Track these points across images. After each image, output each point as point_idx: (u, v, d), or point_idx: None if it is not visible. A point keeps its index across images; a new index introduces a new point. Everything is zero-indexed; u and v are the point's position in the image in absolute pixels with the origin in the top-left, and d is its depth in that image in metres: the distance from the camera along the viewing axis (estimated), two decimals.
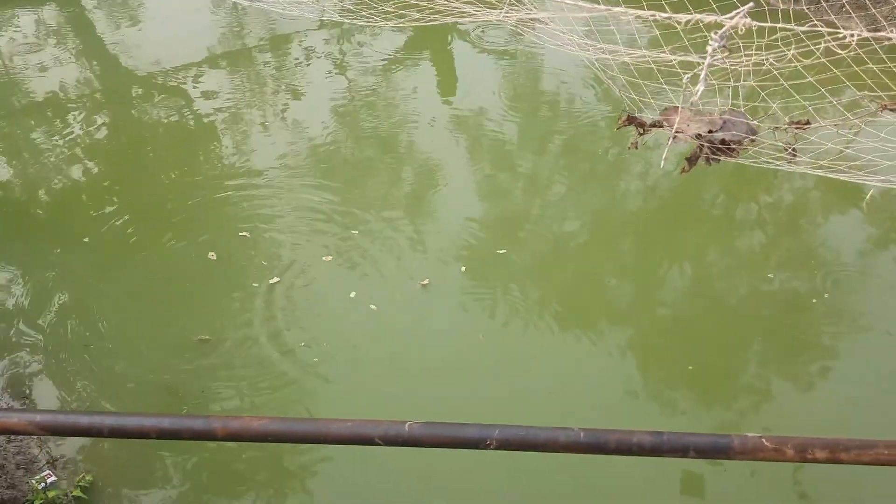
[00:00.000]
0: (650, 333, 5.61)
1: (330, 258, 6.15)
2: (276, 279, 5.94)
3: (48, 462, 4.51)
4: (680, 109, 2.55)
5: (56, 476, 4.40)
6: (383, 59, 9.51)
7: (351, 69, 9.39)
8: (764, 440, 1.83)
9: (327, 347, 5.40)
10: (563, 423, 1.86)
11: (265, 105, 8.60)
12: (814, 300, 5.77)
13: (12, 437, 4.52)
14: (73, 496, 4.28)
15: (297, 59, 9.66)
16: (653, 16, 2.14)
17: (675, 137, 2.55)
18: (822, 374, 5.37)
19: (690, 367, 5.27)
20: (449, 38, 10.12)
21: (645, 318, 5.74)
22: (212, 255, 6.19)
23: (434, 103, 8.62)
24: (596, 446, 1.86)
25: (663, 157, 2.60)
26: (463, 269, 6.06)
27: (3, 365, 5.22)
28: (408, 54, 9.71)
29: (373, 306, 5.70)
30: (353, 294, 5.82)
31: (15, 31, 10.52)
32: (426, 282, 5.90)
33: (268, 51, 9.86)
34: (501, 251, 6.20)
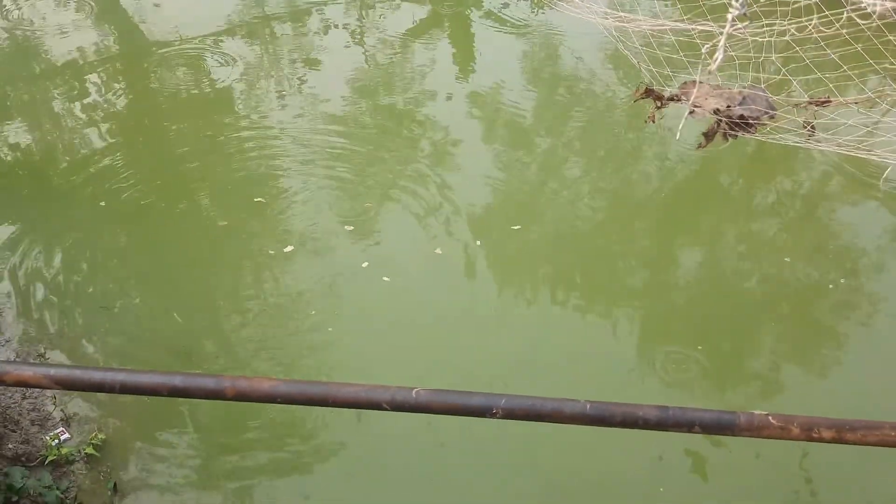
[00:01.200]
0: (661, 312, 5.60)
1: (351, 228, 6.16)
2: (290, 248, 5.97)
3: (62, 419, 4.58)
4: (698, 83, 2.51)
5: (69, 433, 4.48)
6: (401, 33, 9.43)
7: (369, 42, 9.32)
8: (770, 418, 1.83)
9: (341, 316, 5.42)
10: (570, 396, 1.87)
11: (283, 75, 8.57)
12: (830, 285, 5.73)
13: (27, 394, 4.60)
14: (85, 453, 4.36)
15: (315, 30, 9.60)
16: None
17: (692, 112, 2.52)
18: (834, 360, 5.35)
19: (700, 347, 5.26)
20: (468, 11, 10.02)
21: (657, 296, 5.73)
22: (222, 223, 6.23)
23: (451, 78, 8.56)
24: (601, 419, 1.87)
25: (679, 128, 2.56)
26: (478, 243, 6.06)
27: (20, 326, 5.29)
28: (426, 28, 9.63)
29: (385, 278, 5.72)
30: (365, 264, 5.84)
31: None
32: (439, 251, 5.91)
33: (286, 21, 9.79)
34: (516, 227, 6.18)
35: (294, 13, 9.93)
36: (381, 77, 8.56)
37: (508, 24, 9.64)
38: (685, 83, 2.65)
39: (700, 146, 2.70)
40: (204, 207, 6.51)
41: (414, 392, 1.94)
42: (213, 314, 5.47)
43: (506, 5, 9.95)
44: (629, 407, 1.86)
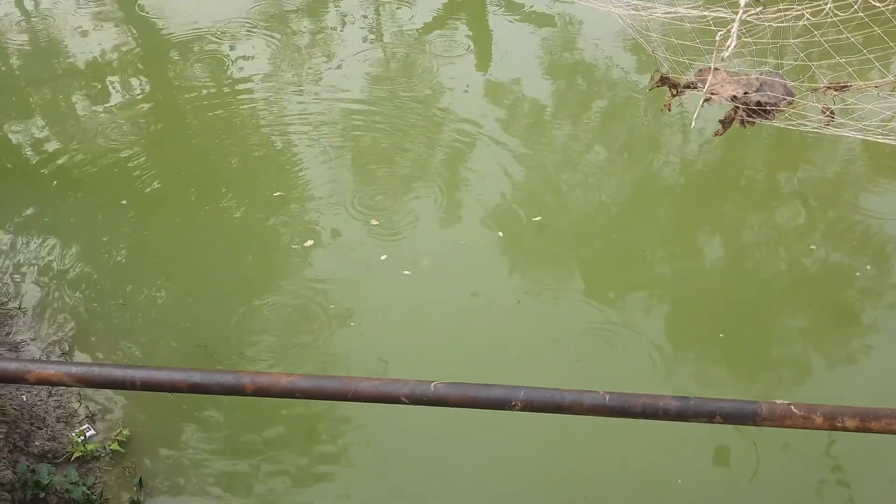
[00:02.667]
0: (683, 300, 5.55)
1: (376, 222, 6.18)
2: (310, 242, 6.00)
3: (87, 416, 4.64)
4: (713, 70, 2.47)
5: (94, 430, 4.54)
6: (419, 25, 9.42)
7: (386, 34, 9.32)
8: (793, 407, 1.81)
9: (363, 309, 5.44)
10: (591, 388, 1.85)
11: (301, 70, 8.59)
12: (857, 273, 5.65)
13: (53, 391, 4.67)
14: (110, 449, 4.41)
15: (332, 24, 9.62)
16: None
17: (708, 99, 2.48)
18: (860, 349, 5.28)
19: (722, 335, 5.22)
20: (485, 3, 9.98)
21: (678, 284, 5.69)
22: (244, 218, 6.26)
23: (470, 69, 8.53)
24: (622, 410, 1.85)
25: (694, 117, 2.53)
26: (500, 234, 6.05)
27: (45, 325, 5.36)
28: (444, 19, 9.60)
29: (406, 272, 5.72)
30: (384, 257, 5.85)
31: None
32: (463, 242, 5.92)
33: (304, 15, 9.82)
34: (537, 218, 6.17)
35: (311, 8, 9.95)
36: (400, 67, 8.55)
37: (526, 15, 9.60)
38: (701, 70, 2.62)
39: (717, 133, 2.67)
40: (225, 203, 6.54)
41: (432, 385, 1.94)
42: (234, 310, 5.50)
43: None
44: (649, 398, 1.84)
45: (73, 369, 2.05)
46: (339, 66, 8.62)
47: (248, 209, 6.41)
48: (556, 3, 9.81)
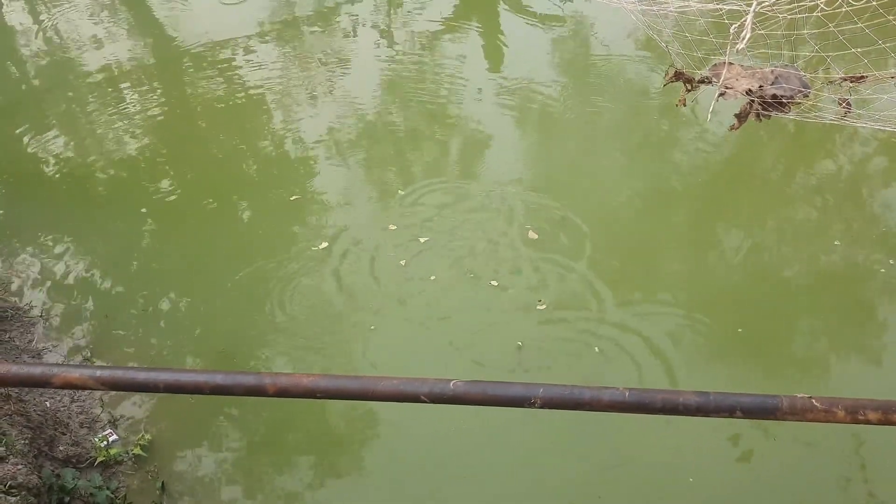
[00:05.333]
0: (701, 294, 5.53)
1: (394, 227, 6.20)
2: (324, 244, 6.03)
3: (110, 422, 4.68)
4: (727, 64, 2.46)
5: (117, 435, 4.58)
6: (430, 29, 9.46)
7: (398, 39, 9.36)
8: (814, 401, 1.79)
9: (381, 314, 5.46)
10: (611, 384, 1.85)
11: (313, 76, 8.65)
12: (882, 269, 5.61)
13: (76, 396, 4.72)
14: (133, 454, 4.45)
15: (344, 29, 9.67)
16: None
17: (722, 93, 2.47)
18: (881, 345, 5.23)
19: (740, 330, 5.19)
20: (497, 4, 10.00)
21: (696, 279, 5.67)
22: (255, 215, 6.30)
23: (481, 72, 8.55)
24: (641, 405, 1.85)
25: (709, 110, 2.52)
26: (515, 233, 6.05)
27: (66, 331, 5.42)
28: (455, 23, 9.63)
29: (433, 277, 5.74)
30: (403, 262, 5.87)
31: (69, 9, 10.76)
32: (474, 267, 5.92)
33: (316, 22, 9.88)
34: (554, 216, 6.17)
35: (323, 14, 10.01)
36: (412, 71, 8.58)
37: (537, 15, 9.60)
38: (716, 65, 2.61)
39: (733, 127, 2.66)
40: (241, 209, 6.60)
41: (451, 384, 1.94)
42: (252, 315, 5.54)
43: None
44: (669, 393, 1.84)
45: (98, 373, 2.07)
46: (350, 71, 8.67)
47: (265, 214, 6.46)
48: (566, 3, 9.82)
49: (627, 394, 1.85)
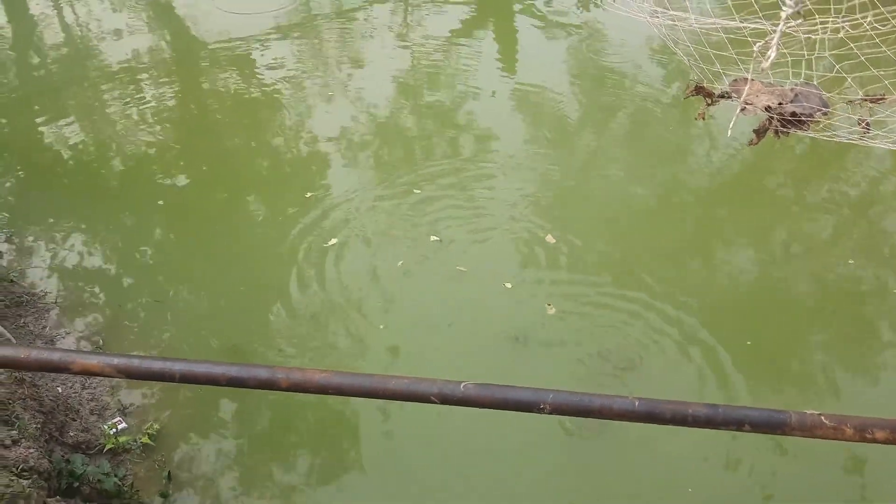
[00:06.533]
0: (710, 306, 5.53)
1: (395, 233, 6.24)
2: (333, 241, 6.08)
3: (119, 410, 4.74)
4: (750, 80, 2.48)
5: (126, 423, 4.63)
6: (447, 32, 9.50)
7: (414, 41, 9.40)
8: (823, 418, 1.81)
9: (392, 310, 5.49)
10: (617, 393, 1.87)
11: (328, 76, 8.70)
12: (894, 290, 5.61)
13: (87, 383, 4.77)
14: (141, 443, 4.49)
15: (361, 30, 9.73)
16: None
17: (743, 109, 2.49)
18: (891, 365, 5.22)
19: (749, 343, 5.20)
20: (513, 9, 10.04)
21: (706, 291, 5.67)
22: (268, 211, 6.35)
23: (496, 75, 8.59)
24: (650, 415, 1.86)
25: (730, 126, 2.54)
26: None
27: (78, 319, 5.48)
28: (471, 27, 9.67)
29: (462, 268, 5.77)
30: (400, 263, 5.91)
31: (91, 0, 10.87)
32: (465, 268, 5.94)
33: (333, 22, 9.95)
34: (548, 238, 6.20)
35: (341, 15, 10.07)
36: (427, 74, 8.62)
37: (552, 22, 9.63)
38: (736, 80, 2.63)
39: (751, 143, 2.67)
40: (254, 204, 6.65)
41: (462, 386, 1.96)
42: (263, 309, 5.59)
43: (550, 5, 9.95)
44: (678, 404, 1.85)
45: (115, 360, 2.10)
46: (366, 72, 8.72)
47: (278, 210, 6.51)
48: (583, 11, 9.85)
49: (637, 403, 1.86)
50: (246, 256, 6.08)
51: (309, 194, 6.63)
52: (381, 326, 5.39)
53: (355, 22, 9.91)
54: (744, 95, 2.42)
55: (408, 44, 9.37)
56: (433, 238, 6.14)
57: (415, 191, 6.63)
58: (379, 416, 4.82)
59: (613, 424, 4.50)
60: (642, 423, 1.89)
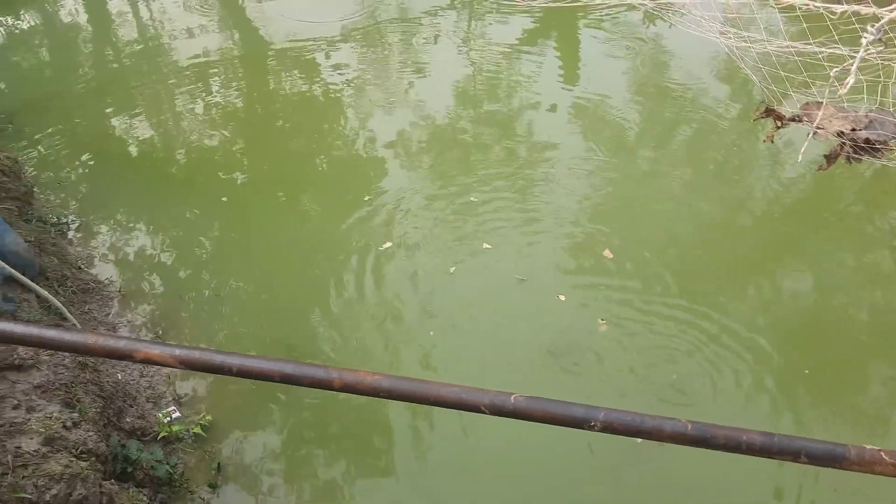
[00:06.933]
0: (769, 332, 5.40)
1: (448, 238, 6.27)
2: (388, 244, 6.14)
3: (174, 399, 4.88)
4: (825, 104, 2.42)
5: (180, 413, 4.76)
6: (509, 42, 9.52)
7: (477, 50, 9.45)
8: (883, 453, 1.75)
9: (441, 316, 5.52)
10: (668, 415, 1.85)
11: (390, 81, 8.81)
12: None
13: (144, 372, 4.93)
14: (193, 433, 4.61)
15: (425, 37, 9.82)
16: (807, 5, 2.03)
17: (815, 133, 2.43)
18: None
19: (807, 371, 5.05)
20: (576, 23, 9.99)
21: (764, 315, 5.54)
22: (325, 212, 6.45)
23: (556, 88, 8.56)
24: (703, 440, 1.83)
25: (801, 151, 2.48)
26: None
27: (138, 309, 5.66)
28: (534, 38, 9.67)
29: (521, 276, 5.77)
30: (452, 269, 5.93)
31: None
32: (528, 276, 5.92)
33: (398, 28, 10.07)
34: (607, 253, 6.14)
35: (405, 21, 10.19)
36: (487, 82, 8.65)
37: (617, 35, 9.55)
38: (807, 104, 2.57)
39: (821, 168, 2.61)
40: (313, 205, 6.77)
41: (512, 398, 1.95)
42: (317, 306, 5.68)
43: (615, 18, 9.87)
44: (732, 430, 1.81)
45: (177, 351, 2.16)
46: (427, 78, 8.80)
47: (334, 211, 6.61)
48: (648, 26, 9.74)
49: (690, 427, 1.83)
50: (301, 256, 6.19)
51: (367, 197, 6.72)
52: (431, 333, 5.42)
53: (419, 28, 10.01)
54: (817, 120, 2.36)
55: (470, 51, 9.43)
56: (485, 245, 6.16)
57: (471, 198, 6.67)
58: (424, 419, 4.85)
59: (647, 452, 4.43)
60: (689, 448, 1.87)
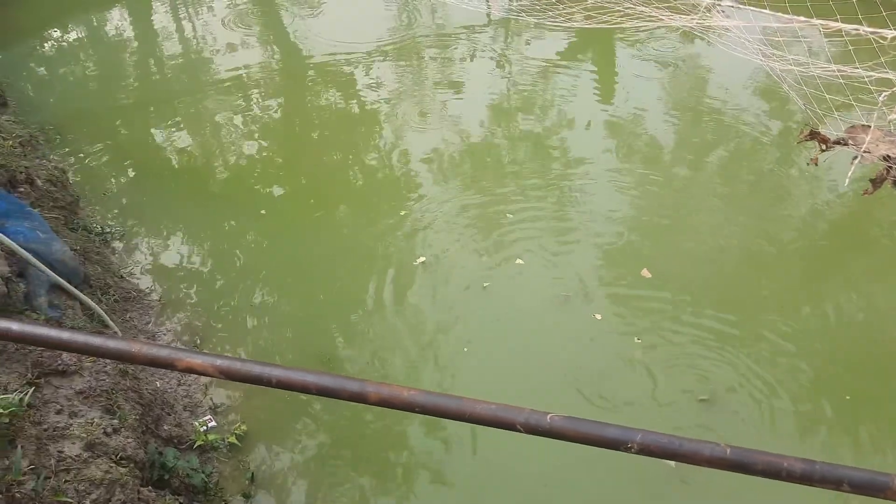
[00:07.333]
0: (809, 356, 5.30)
1: (485, 257, 6.29)
2: (421, 259, 6.18)
3: (210, 408, 4.95)
4: (870, 128, 2.39)
5: (216, 421, 4.83)
6: (546, 59, 9.55)
7: (513, 68, 9.49)
8: None
9: (476, 336, 5.53)
10: (705, 438, 1.83)
11: (426, 96, 8.89)
12: None
13: (182, 380, 5.01)
14: (228, 442, 4.67)
15: (461, 54, 9.90)
16: (856, 30, 2.02)
17: (860, 156, 2.40)
18: None
19: (848, 398, 4.94)
20: (613, 41, 9.99)
21: (805, 338, 5.44)
22: (360, 226, 6.51)
23: (592, 107, 8.56)
24: (741, 465, 1.81)
25: (847, 175, 2.45)
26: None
27: (178, 320, 5.77)
28: (571, 55, 9.68)
29: (536, 301, 5.77)
30: (486, 284, 5.94)
31: (208, 15, 11.52)
32: (576, 297, 5.90)
33: (434, 45, 10.17)
34: (645, 273, 6.10)
35: (441, 38, 10.28)
36: (523, 99, 8.69)
37: (655, 54, 9.52)
38: (853, 127, 2.54)
39: (866, 192, 2.57)
40: (350, 217, 6.85)
41: (548, 417, 1.95)
42: (349, 321, 5.73)
43: (653, 37, 9.85)
44: (773, 456, 1.79)
45: (217, 361, 2.20)
46: (463, 94, 8.86)
47: (369, 225, 6.67)
48: (686, 45, 9.69)
49: (729, 451, 1.81)
50: (336, 269, 6.26)
51: (402, 213, 6.78)
52: (465, 349, 5.43)
53: (456, 45, 10.09)
54: (865, 143, 2.33)
55: (506, 68, 9.47)
56: (518, 261, 6.16)
57: (508, 215, 6.68)
58: (457, 436, 4.85)
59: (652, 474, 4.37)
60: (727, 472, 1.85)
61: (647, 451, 1.90)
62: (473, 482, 4.62)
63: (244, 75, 9.58)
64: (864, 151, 2.31)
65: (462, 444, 4.81)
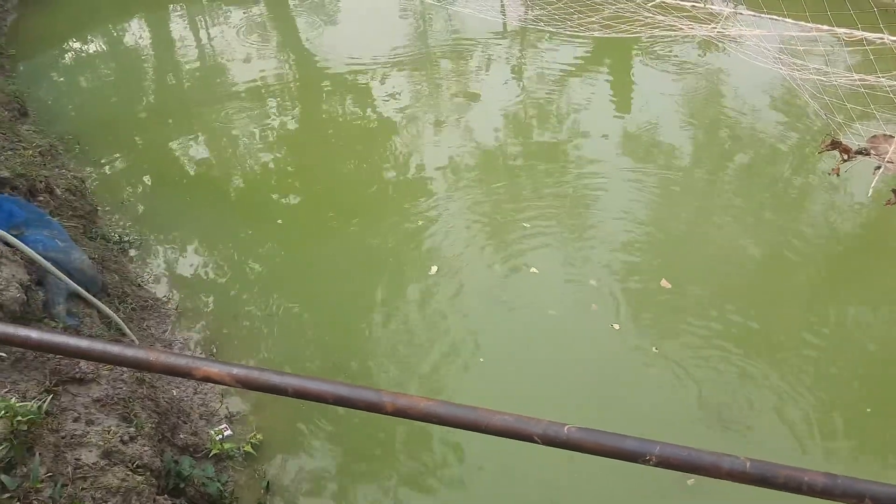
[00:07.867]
0: (829, 368, 5.23)
1: (501, 267, 6.27)
2: (434, 268, 6.18)
3: (226, 417, 4.96)
4: (894, 139, 2.37)
5: (231, 430, 4.84)
6: (562, 69, 9.55)
7: (529, 78, 9.50)
8: None
9: (488, 341, 5.51)
10: (724, 451, 1.81)
11: (441, 107, 8.92)
12: None
13: (198, 389, 5.03)
14: (244, 451, 4.68)
15: (476, 65, 9.93)
16: (880, 39, 2.00)
17: (883, 166, 2.37)
18: None
19: (869, 410, 4.88)
20: (630, 50, 9.98)
21: (826, 351, 5.38)
22: (374, 235, 6.52)
23: (608, 117, 8.54)
24: (762, 479, 1.78)
25: (871, 185, 2.43)
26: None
27: (195, 329, 5.80)
28: (587, 65, 9.68)
29: (552, 311, 5.76)
30: (501, 294, 5.93)
31: (225, 25, 11.64)
32: (595, 307, 5.88)
33: (449, 56, 10.21)
34: (664, 283, 6.05)
35: (457, 50, 10.32)
36: (538, 109, 8.69)
37: (671, 63, 9.50)
38: (875, 136, 2.51)
39: (889, 202, 2.54)
40: (364, 227, 6.86)
41: (566, 428, 1.93)
42: (363, 330, 5.73)
43: (669, 46, 9.83)
44: (794, 470, 1.76)
45: (235, 370, 2.21)
46: (477, 104, 8.87)
47: (384, 236, 6.68)
48: (703, 55, 9.67)
49: (749, 464, 1.79)
50: (350, 278, 6.27)
51: (420, 222, 6.78)
52: (481, 359, 5.41)
53: (471, 56, 10.12)
54: (890, 153, 2.31)
55: (521, 78, 9.49)
56: (533, 270, 6.14)
57: (524, 224, 6.66)
58: (471, 447, 4.83)
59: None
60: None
61: (665, 463, 1.87)
62: (487, 489, 4.59)
63: (260, 85, 9.65)
64: (888, 161, 2.29)
65: (476, 452, 4.79)
